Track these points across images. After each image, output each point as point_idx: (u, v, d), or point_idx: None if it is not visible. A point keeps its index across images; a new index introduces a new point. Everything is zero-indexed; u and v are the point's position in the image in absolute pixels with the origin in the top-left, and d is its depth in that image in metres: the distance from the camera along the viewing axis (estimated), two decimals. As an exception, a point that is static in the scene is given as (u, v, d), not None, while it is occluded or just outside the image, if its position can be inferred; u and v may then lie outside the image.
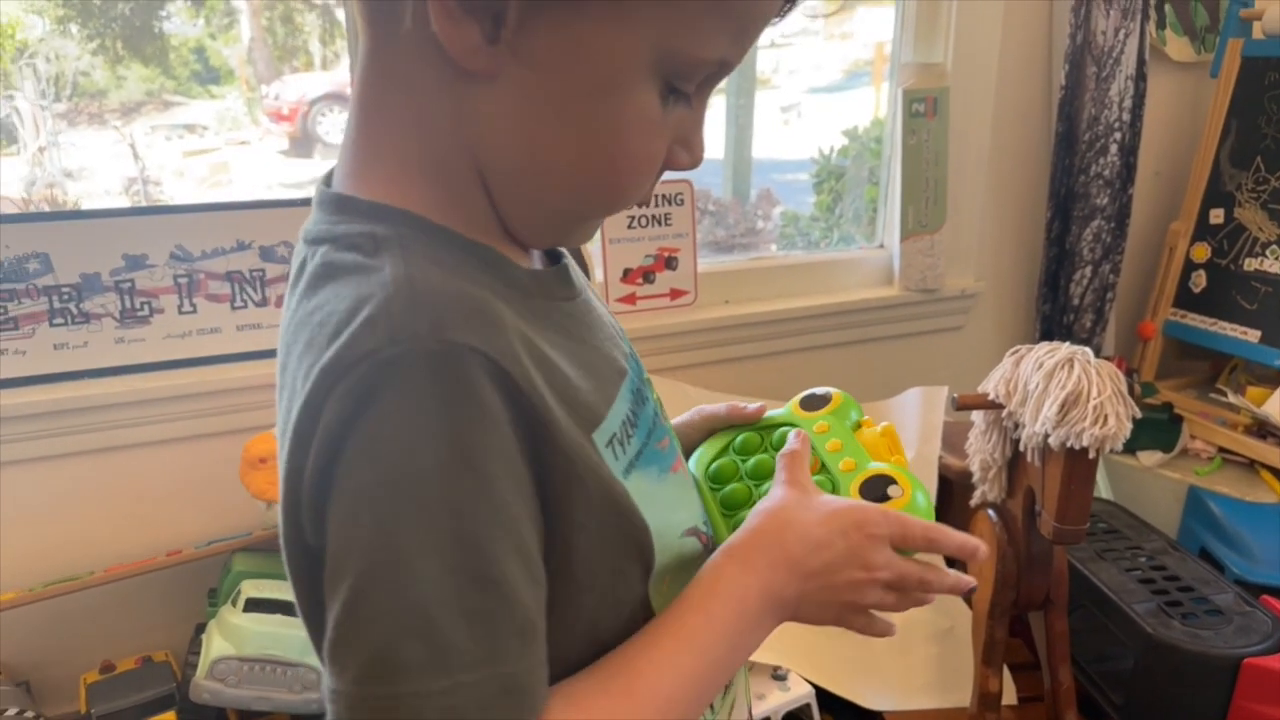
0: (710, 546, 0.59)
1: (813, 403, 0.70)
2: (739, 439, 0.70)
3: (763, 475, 0.66)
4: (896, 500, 0.59)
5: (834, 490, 0.62)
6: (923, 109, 1.71)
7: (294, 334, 0.47)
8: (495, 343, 0.43)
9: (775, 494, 0.57)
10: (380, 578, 0.41)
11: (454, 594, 0.41)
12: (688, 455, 0.70)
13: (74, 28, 1.43)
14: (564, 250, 0.59)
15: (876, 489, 0.60)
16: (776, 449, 0.67)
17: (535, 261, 0.56)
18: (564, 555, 0.47)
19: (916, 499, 0.59)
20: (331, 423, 0.41)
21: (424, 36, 0.44)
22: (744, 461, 0.68)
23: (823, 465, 0.64)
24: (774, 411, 0.71)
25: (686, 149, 0.51)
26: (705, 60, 0.47)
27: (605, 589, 0.50)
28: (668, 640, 0.50)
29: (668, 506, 0.55)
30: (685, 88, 0.48)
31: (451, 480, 0.41)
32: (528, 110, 0.46)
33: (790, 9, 0.51)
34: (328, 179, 0.53)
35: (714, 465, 0.68)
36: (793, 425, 0.68)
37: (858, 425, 0.67)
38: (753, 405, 0.72)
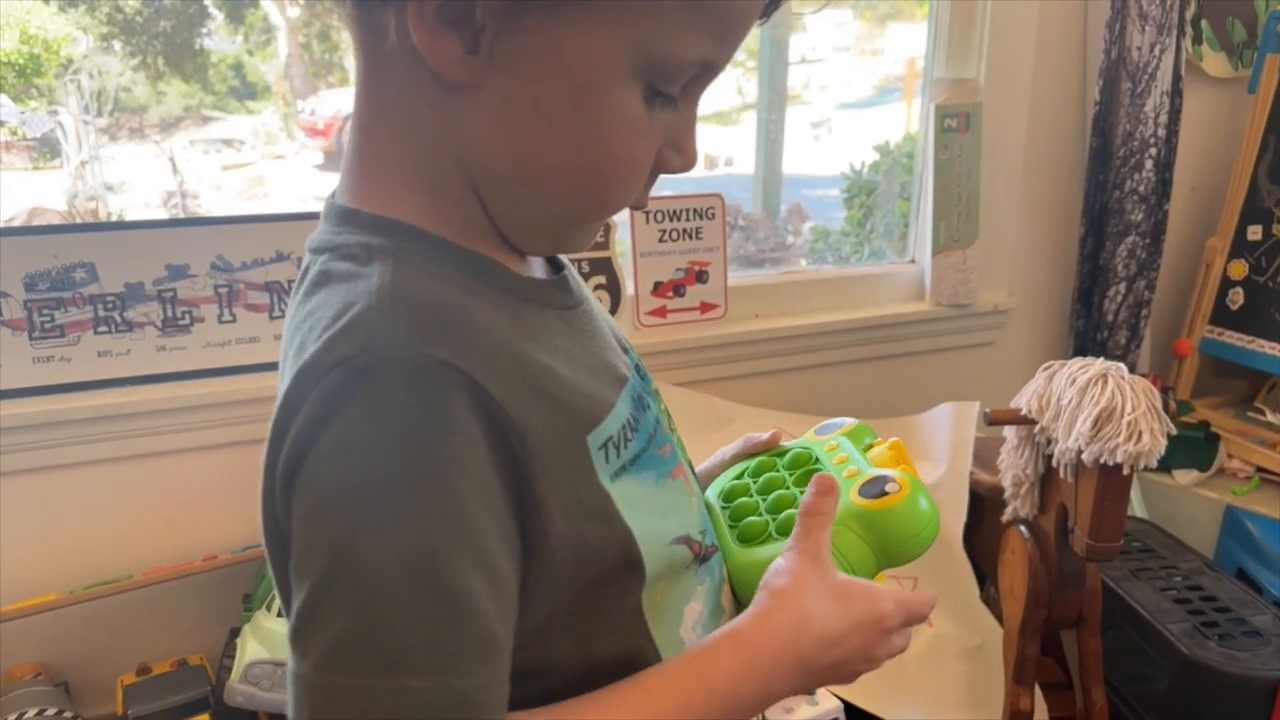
0: (702, 557, 0.58)
1: (827, 429, 0.71)
2: (754, 463, 0.72)
3: (770, 490, 0.67)
4: (894, 496, 0.59)
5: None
6: (955, 124, 1.71)
7: (289, 339, 0.49)
8: (470, 356, 0.44)
9: (791, 568, 0.55)
10: (338, 577, 0.42)
11: (409, 600, 0.42)
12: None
13: (117, 44, 1.47)
14: (565, 261, 0.59)
15: (874, 487, 0.60)
16: (787, 469, 0.69)
17: (537, 271, 0.56)
18: (544, 562, 0.47)
19: (918, 501, 0.59)
20: (303, 423, 0.43)
21: (408, 51, 0.45)
22: (755, 481, 0.69)
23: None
24: (791, 442, 0.73)
25: (678, 152, 0.51)
26: (685, 61, 0.48)
27: (591, 597, 0.50)
28: (632, 714, 0.49)
29: (658, 513, 0.54)
30: (669, 90, 0.49)
31: (412, 490, 0.42)
32: (512, 118, 0.47)
33: (775, 9, 0.51)
34: (334, 193, 0.55)
35: (728, 487, 0.70)
36: (805, 448, 0.70)
37: (869, 447, 0.68)
38: (766, 435, 0.74)
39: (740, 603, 0.60)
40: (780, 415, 1.66)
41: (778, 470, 0.69)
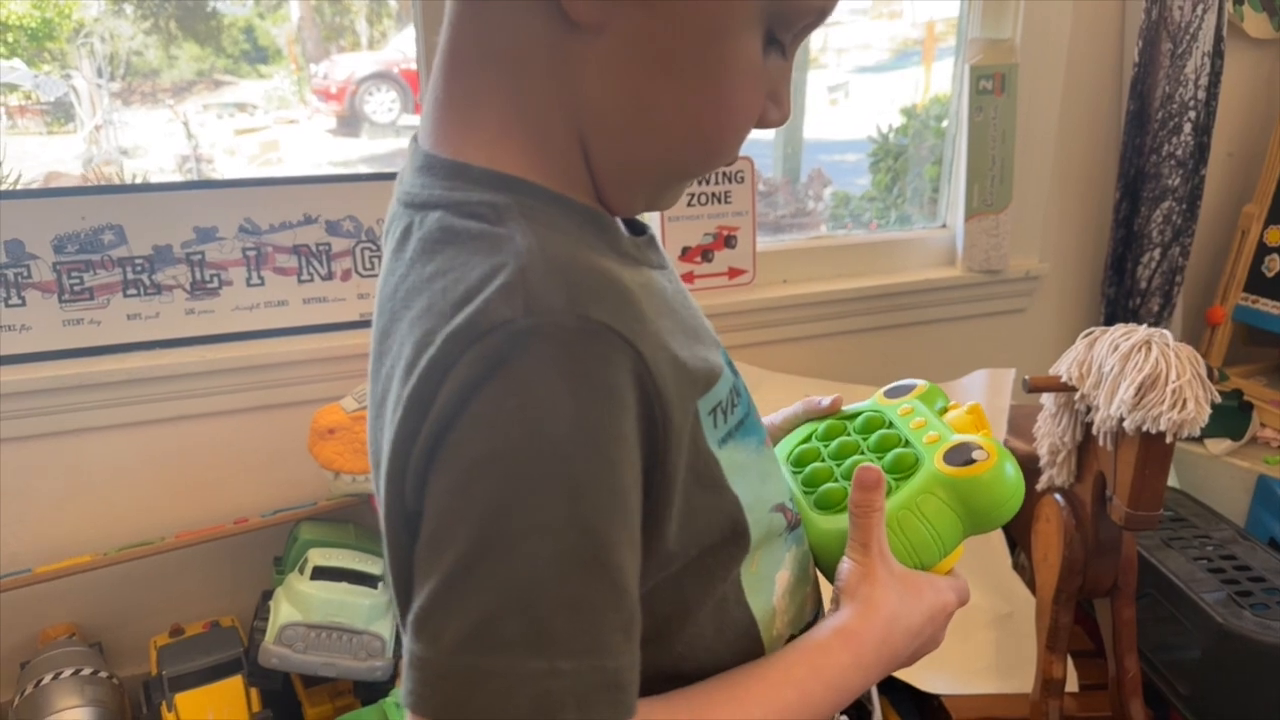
0: (794, 524, 0.58)
1: (897, 391, 0.69)
2: (821, 427, 0.70)
3: (845, 455, 0.66)
4: (982, 464, 0.58)
5: (916, 463, 0.61)
6: (990, 86, 1.67)
7: (406, 299, 0.45)
8: (630, 322, 0.42)
9: (866, 573, 0.55)
10: (489, 550, 0.39)
11: (562, 578, 0.39)
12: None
13: (128, 8, 1.45)
14: (647, 225, 0.57)
15: (961, 454, 0.59)
16: (859, 433, 0.67)
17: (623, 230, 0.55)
18: (660, 535, 0.45)
19: (1005, 469, 0.58)
20: (456, 388, 0.40)
21: None
22: (826, 446, 0.67)
23: (906, 441, 0.63)
24: (858, 404, 0.71)
25: (776, 104, 0.50)
26: (810, 7, 0.47)
27: (697, 568, 0.49)
28: (756, 707, 0.49)
29: (760, 479, 0.53)
30: (784, 37, 0.48)
31: (575, 460, 0.40)
32: (635, 61, 0.45)
33: None
34: (417, 139, 0.52)
35: (796, 451, 0.68)
36: (875, 411, 0.68)
37: (944, 410, 0.66)
38: (827, 399, 0.72)
39: (821, 569, 0.60)
40: (810, 382, 1.64)
41: (850, 435, 0.67)
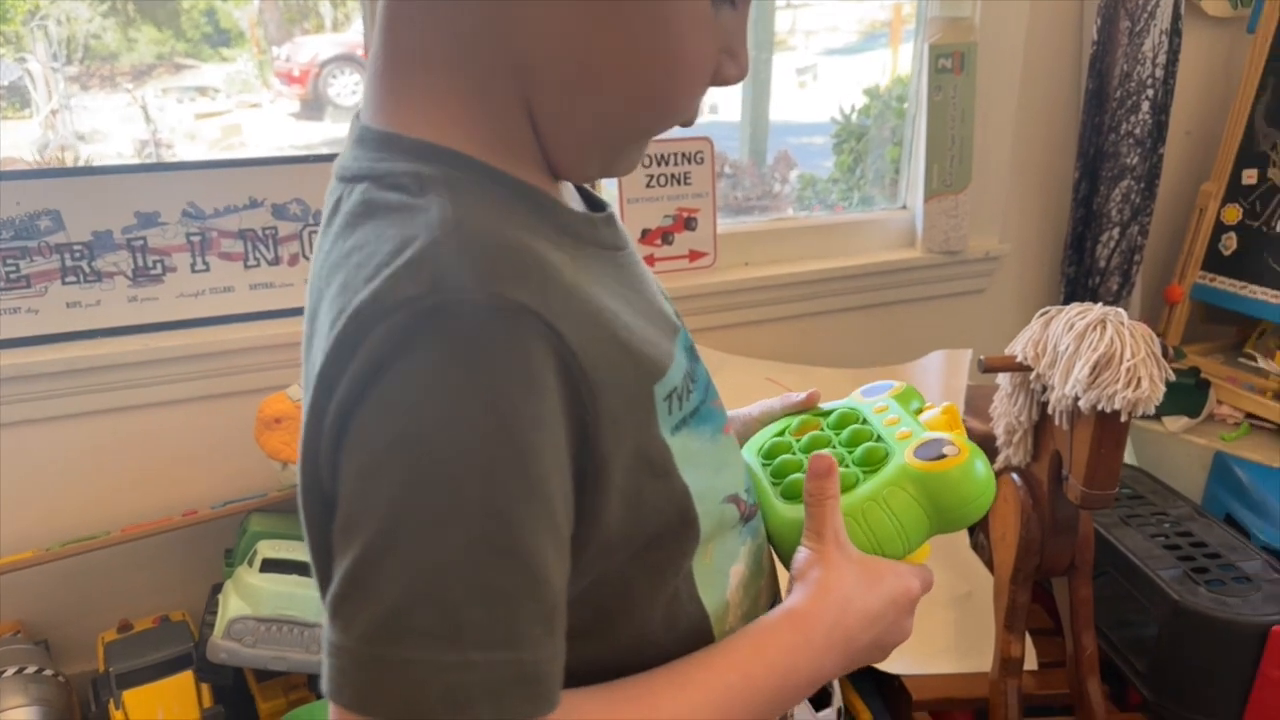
0: (747, 516, 0.56)
1: (873, 391, 0.70)
2: (796, 422, 0.69)
3: (816, 448, 0.65)
4: (952, 459, 0.57)
5: (887, 457, 0.60)
6: (950, 64, 1.66)
7: (328, 276, 0.44)
8: (549, 301, 0.40)
9: (820, 558, 0.54)
10: (398, 538, 0.38)
11: (476, 567, 0.38)
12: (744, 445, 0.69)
13: (85, -11, 1.41)
14: (606, 201, 0.56)
15: (932, 450, 0.58)
16: (833, 428, 0.67)
17: (578, 206, 0.53)
18: (599, 522, 0.44)
19: (975, 466, 0.58)
20: (361, 368, 0.39)
21: None
22: (798, 440, 0.67)
23: (878, 436, 0.63)
24: (834, 402, 0.71)
25: (733, 58, 0.49)
26: None
27: (645, 559, 0.48)
28: (698, 691, 0.48)
29: (713, 469, 0.52)
30: None
31: (485, 445, 0.38)
32: (580, 17, 0.43)
33: None
34: (360, 113, 0.50)
35: (769, 443, 0.67)
36: (851, 408, 0.68)
37: (919, 410, 0.66)
38: (801, 395, 0.71)
39: (781, 560, 0.59)
40: (771, 364, 1.64)
41: (823, 430, 0.67)
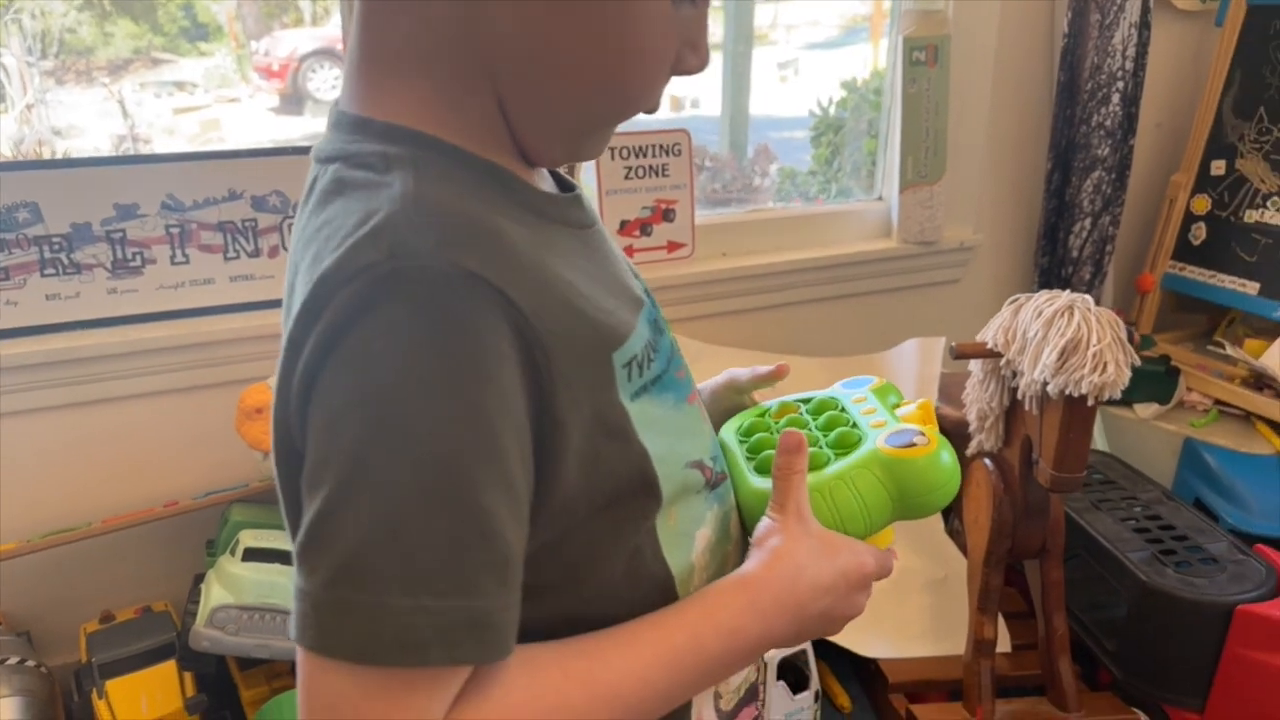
0: (713, 483, 0.59)
1: (854, 385, 0.72)
2: (775, 405, 0.72)
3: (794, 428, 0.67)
4: (920, 448, 0.60)
5: (859, 442, 0.63)
6: (923, 57, 1.68)
7: (303, 249, 0.46)
8: (500, 269, 0.42)
9: (779, 527, 0.56)
10: (356, 489, 0.40)
11: (430, 517, 0.40)
12: (718, 419, 0.71)
13: (60, -18, 1.40)
14: (575, 183, 0.58)
15: (902, 438, 0.61)
16: (812, 413, 0.69)
17: (548, 188, 0.55)
18: (559, 480, 0.46)
19: (941, 456, 0.60)
20: (323, 331, 0.41)
21: None
22: (776, 422, 0.70)
23: (854, 424, 0.66)
24: (815, 391, 0.73)
25: (694, 50, 0.51)
26: None
27: (606, 517, 0.50)
28: (647, 649, 0.50)
29: (675, 435, 0.54)
30: None
31: (438, 402, 0.40)
32: (543, 11, 0.46)
33: None
34: (338, 100, 0.52)
35: (748, 422, 0.70)
36: (830, 397, 0.71)
37: (896, 405, 0.69)
38: (770, 367, 0.73)
39: (747, 531, 0.61)
40: (749, 354, 1.65)
41: (801, 413, 0.70)
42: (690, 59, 0.51)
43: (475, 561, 0.41)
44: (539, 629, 0.47)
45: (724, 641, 0.52)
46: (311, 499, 0.41)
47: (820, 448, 0.63)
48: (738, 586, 0.54)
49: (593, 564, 0.51)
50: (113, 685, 1.22)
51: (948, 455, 0.60)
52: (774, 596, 0.53)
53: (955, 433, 1.40)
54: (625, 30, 0.47)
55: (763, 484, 0.61)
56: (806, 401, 0.72)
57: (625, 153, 1.58)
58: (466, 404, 0.41)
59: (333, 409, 0.41)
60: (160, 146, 1.55)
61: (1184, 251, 1.83)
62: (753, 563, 0.55)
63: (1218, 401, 1.71)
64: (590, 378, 0.47)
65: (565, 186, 0.57)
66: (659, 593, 0.53)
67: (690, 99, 1.92)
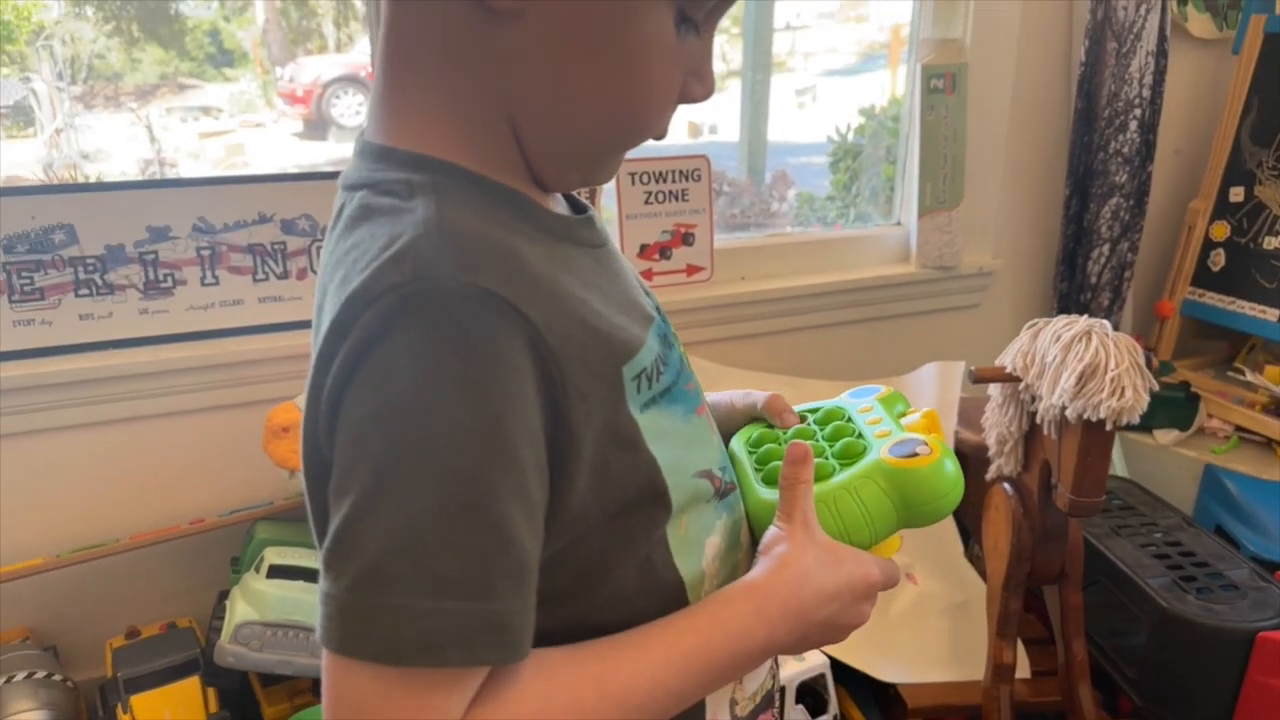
0: (722, 492, 0.60)
1: (862, 393, 0.73)
2: None
3: (802, 439, 0.68)
4: (924, 457, 0.61)
5: (864, 452, 0.64)
6: (941, 85, 1.70)
7: (331, 272, 0.49)
8: (518, 288, 0.45)
9: (786, 536, 0.58)
10: (378, 497, 0.43)
11: (450, 524, 0.42)
12: (728, 433, 0.73)
13: (90, 10, 1.44)
14: (588, 204, 0.61)
15: (906, 448, 0.62)
16: (819, 424, 0.71)
17: (561, 210, 0.57)
18: (571, 489, 0.48)
19: (945, 463, 0.61)
20: (351, 348, 0.43)
21: None
22: (784, 433, 0.71)
23: (859, 434, 0.67)
24: (822, 401, 0.75)
25: (699, 80, 0.53)
26: None
27: (618, 525, 0.52)
28: (659, 651, 0.51)
29: (684, 445, 0.56)
30: (696, 15, 0.51)
31: (458, 415, 0.43)
32: (553, 44, 0.48)
33: None
34: (364, 130, 0.55)
35: (757, 434, 0.71)
36: (837, 407, 0.72)
37: (903, 414, 0.70)
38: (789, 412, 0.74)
39: (756, 541, 0.62)
40: (767, 377, 1.66)
41: (808, 424, 0.71)
42: (696, 88, 0.53)
43: (493, 567, 0.43)
44: (554, 634, 0.49)
45: (732, 645, 0.53)
46: (338, 508, 0.44)
47: (826, 458, 0.65)
48: (745, 593, 0.55)
49: (605, 571, 0.52)
50: (137, 700, 1.23)
51: (951, 464, 0.61)
52: (780, 603, 0.55)
53: (974, 457, 1.41)
54: (634, 63, 0.49)
55: (770, 495, 0.63)
56: (814, 411, 0.73)
57: (645, 178, 1.61)
58: (485, 417, 0.43)
59: (358, 422, 0.44)
60: (186, 170, 1.58)
61: (1203, 278, 1.83)
62: (760, 570, 0.57)
63: (1238, 428, 1.71)
64: (602, 390, 0.49)
65: (578, 208, 0.59)
66: (670, 599, 0.55)
67: (709, 125, 1.95)
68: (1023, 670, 1.41)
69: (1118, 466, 1.73)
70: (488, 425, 0.43)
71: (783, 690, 1.28)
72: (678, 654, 0.52)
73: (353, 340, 0.43)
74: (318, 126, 1.84)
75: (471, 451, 0.43)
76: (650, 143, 0.55)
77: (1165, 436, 1.71)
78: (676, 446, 0.54)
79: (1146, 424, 1.73)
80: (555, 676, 0.48)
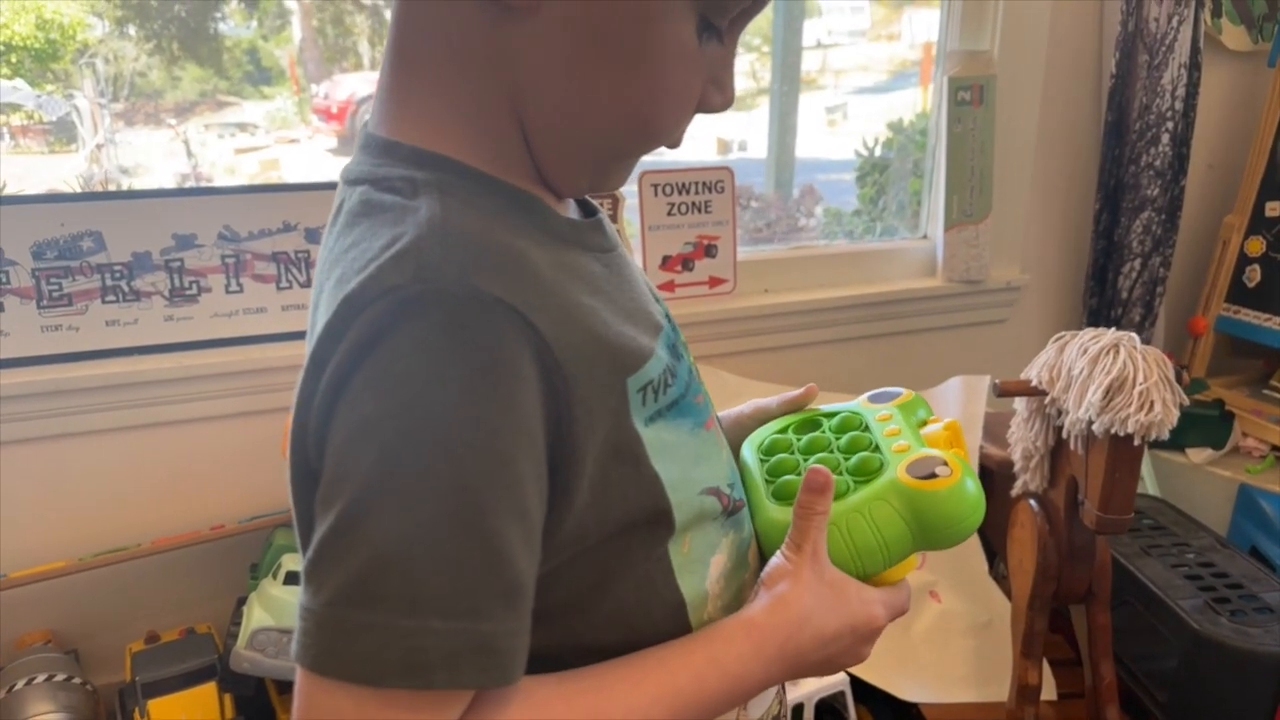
0: (730, 510, 0.58)
1: (881, 398, 0.70)
2: (797, 419, 0.70)
3: (814, 450, 0.66)
4: (943, 480, 0.57)
5: (880, 469, 0.60)
6: (969, 97, 1.69)
7: (328, 270, 0.47)
8: (523, 294, 0.43)
9: (791, 570, 0.55)
10: (369, 507, 0.40)
11: (440, 540, 0.40)
12: (740, 446, 0.70)
13: (132, 29, 1.47)
14: (598, 207, 0.59)
15: (924, 468, 0.58)
16: (834, 431, 0.67)
17: (571, 214, 0.55)
18: (570, 505, 0.46)
19: (966, 484, 0.57)
20: (347, 351, 0.41)
21: None
22: (799, 439, 0.67)
23: (876, 446, 0.63)
24: (840, 404, 0.71)
25: (719, 89, 0.51)
26: None
27: (617, 543, 0.50)
28: (651, 686, 0.49)
29: (691, 461, 0.54)
30: (719, 22, 0.49)
31: (456, 425, 0.40)
32: (569, 44, 0.46)
33: None
34: (368, 122, 0.53)
35: (769, 439, 0.68)
36: (854, 412, 0.68)
37: (923, 422, 0.66)
38: (798, 390, 0.72)
39: (765, 559, 0.59)
40: (787, 390, 1.65)
41: (824, 431, 0.67)
42: (715, 97, 0.51)
43: (484, 586, 0.41)
44: (549, 653, 0.47)
45: (727, 685, 0.52)
46: (323, 518, 0.41)
47: (841, 474, 0.61)
48: (745, 632, 0.53)
49: (603, 589, 0.50)
50: (155, 705, 1.23)
51: (972, 485, 0.58)
52: (778, 645, 0.53)
53: (999, 472, 1.38)
54: (651, 66, 0.47)
55: (780, 513, 0.60)
56: (831, 416, 0.69)
57: (668, 189, 1.60)
58: (485, 428, 0.41)
59: (351, 429, 0.41)
60: (221, 185, 1.60)
61: (1238, 294, 1.80)
62: (759, 607, 0.54)
63: (1275, 447, 1.66)
64: (607, 403, 0.47)
65: (587, 210, 0.57)
66: (671, 619, 0.53)
67: (738, 142, 1.94)
68: (1049, 692, 1.38)
69: (1149, 485, 1.69)
70: (487, 438, 0.41)
71: (801, 708, 1.26)
72: (671, 690, 0.49)
73: (349, 343, 0.41)
74: (351, 142, 1.86)
75: (469, 465, 0.40)
76: (674, 154, 0.54)
77: (1199, 455, 1.68)
78: (683, 462, 0.52)
79: (1179, 443, 1.70)
80: (543, 706, 0.45)
